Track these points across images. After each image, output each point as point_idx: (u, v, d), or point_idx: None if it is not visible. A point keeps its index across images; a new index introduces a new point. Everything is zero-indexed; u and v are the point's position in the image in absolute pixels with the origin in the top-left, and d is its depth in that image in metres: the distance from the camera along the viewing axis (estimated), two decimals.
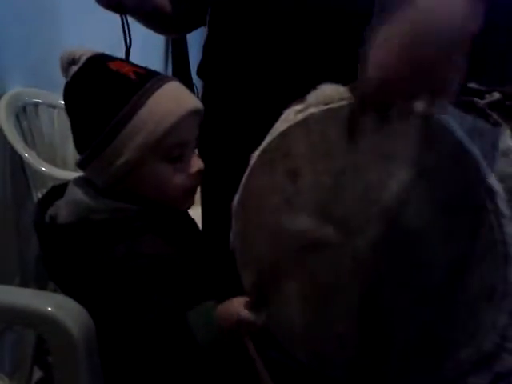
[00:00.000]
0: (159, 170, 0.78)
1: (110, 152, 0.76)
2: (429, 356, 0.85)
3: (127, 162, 0.76)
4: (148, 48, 2.44)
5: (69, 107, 0.81)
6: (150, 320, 0.71)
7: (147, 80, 0.79)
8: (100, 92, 0.77)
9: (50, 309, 0.75)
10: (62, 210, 0.80)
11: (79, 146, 0.80)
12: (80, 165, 0.81)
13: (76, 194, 0.79)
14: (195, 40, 2.86)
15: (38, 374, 1.57)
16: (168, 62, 2.83)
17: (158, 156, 0.78)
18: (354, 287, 0.88)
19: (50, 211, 0.82)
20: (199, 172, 0.82)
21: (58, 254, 0.79)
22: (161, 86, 0.78)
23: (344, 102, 0.85)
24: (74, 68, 0.79)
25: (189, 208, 0.86)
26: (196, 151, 0.85)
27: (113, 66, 0.79)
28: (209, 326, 0.74)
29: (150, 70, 0.82)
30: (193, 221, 0.90)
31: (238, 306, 0.77)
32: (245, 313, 0.77)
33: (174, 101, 0.78)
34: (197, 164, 0.82)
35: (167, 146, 0.78)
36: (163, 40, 2.79)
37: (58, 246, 0.79)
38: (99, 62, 0.80)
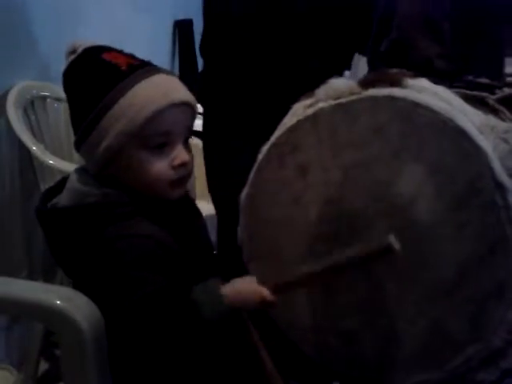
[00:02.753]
0: (139, 157, 0.79)
1: (95, 137, 0.78)
2: (437, 352, 0.85)
3: (108, 147, 0.77)
4: (155, 39, 2.45)
5: (65, 93, 0.85)
6: (146, 296, 0.72)
7: (136, 70, 0.80)
8: (89, 79, 0.80)
9: (58, 302, 0.75)
10: (62, 197, 0.83)
11: (74, 130, 0.83)
12: (75, 146, 0.84)
13: (73, 181, 0.82)
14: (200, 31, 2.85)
15: (44, 365, 1.59)
16: (175, 53, 2.83)
17: (139, 144, 0.78)
18: (361, 282, 0.88)
19: (53, 200, 0.85)
20: (183, 164, 0.82)
21: (58, 238, 0.81)
22: (148, 76, 0.79)
23: (354, 97, 0.85)
24: (72, 57, 0.82)
25: (177, 198, 0.86)
26: (181, 144, 0.85)
27: (107, 56, 0.81)
28: (216, 302, 0.74)
29: (145, 62, 0.83)
30: (193, 211, 0.90)
31: (256, 285, 0.78)
32: (267, 292, 0.77)
33: (159, 91, 0.78)
34: (181, 156, 0.81)
35: (147, 135, 0.77)
36: (170, 32, 2.79)
37: (57, 230, 0.81)
38: (94, 52, 0.82)
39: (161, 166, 0.80)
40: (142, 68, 0.81)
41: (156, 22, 2.55)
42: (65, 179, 0.86)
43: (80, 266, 0.79)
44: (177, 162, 0.81)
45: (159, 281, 0.74)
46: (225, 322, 0.75)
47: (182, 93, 0.81)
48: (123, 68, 0.79)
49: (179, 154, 0.81)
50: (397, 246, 0.74)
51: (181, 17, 2.85)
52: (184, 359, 0.79)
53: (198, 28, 3.02)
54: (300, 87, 0.99)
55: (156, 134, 0.79)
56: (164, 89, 0.79)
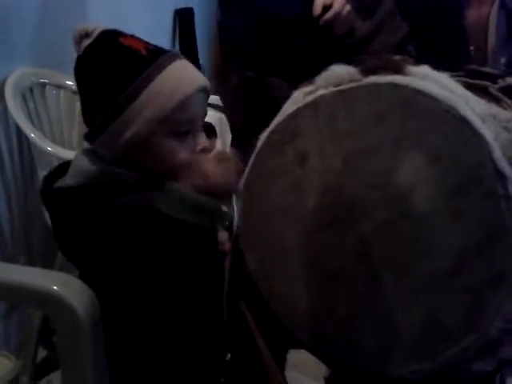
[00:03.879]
0: (166, 144, 0.78)
1: (119, 125, 0.77)
2: (433, 341, 0.85)
3: (135, 134, 0.77)
4: (156, 28, 2.43)
5: (79, 80, 0.81)
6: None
7: (158, 56, 0.79)
8: (111, 66, 0.77)
9: (55, 287, 0.75)
10: (67, 179, 0.81)
11: (88, 118, 0.81)
12: (88, 137, 0.81)
13: (82, 162, 0.80)
14: (202, 20, 2.84)
15: (42, 353, 1.59)
16: (175, 42, 2.81)
17: (166, 130, 0.78)
18: (358, 271, 0.88)
19: (57, 183, 0.83)
20: (204, 149, 0.83)
21: (64, 218, 0.80)
22: (171, 62, 0.79)
23: (355, 84, 0.84)
24: (87, 42, 0.79)
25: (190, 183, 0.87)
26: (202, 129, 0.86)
27: (125, 41, 0.80)
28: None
29: (161, 48, 0.83)
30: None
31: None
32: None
33: (184, 77, 0.79)
34: (204, 142, 0.82)
35: (175, 121, 0.78)
36: (171, 20, 2.77)
37: (64, 209, 0.79)
38: (111, 36, 0.80)
39: (184, 153, 0.80)
40: (161, 53, 0.80)
41: (157, 10, 2.54)
42: (66, 164, 0.85)
43: (86, 246, 0.78)
44: (200, 147, 0.81)
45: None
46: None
47: (201, 77, 0.82)
48: (144, 53, 0.78)
49: (201, 139, 0.82)
50: None
51: (181, 5, 2.83)
52: (181, 330, 0.78)
53: (199, 17, 3.00)
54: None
55: (183, 120, 0.79)
56: (190, 74, 0.80)
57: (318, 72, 0.90)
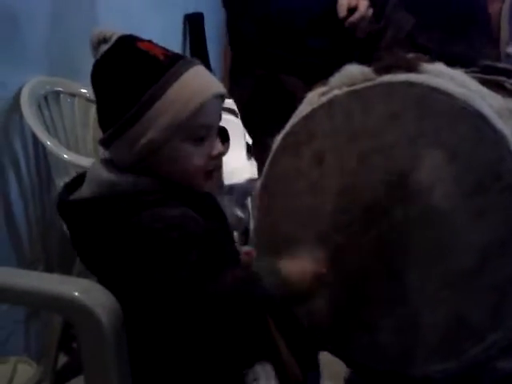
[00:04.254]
0: (181, 149, 0.78)
1: (136, 130, 0.77)
2: (457, 340, 0.84)
3: (152, 140, 0.76)
4: (166, 33, 2.44)
5: (96, 85, 0.81)
6: (188, 278, 0.71)
7: (175, 62, 0.79)
8: (129, 71, 0.77)
9: (77, 294, 0.75)
10: (84, 190, 0.81)
11: (104, 124, 0.80)
12: (104, 143, 0.81)
13: (98, 172, 0.80)
14: (212, 24, 2.84)
15: (63, 359, 1.60)
16: (186, 47, 2.82)
17: (183, 136, 0.77)
18: (379, 271, 0.87)
19: (74, 194, 0.83)
20: (220, 155, 0.83)
21: (83, 230, 0.79)
22: (188, 69, 0.79)
23: (369, 83, 0.84)
24: (105, 47, 0.79)
25: (210, 191, 0.87)
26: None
27: (142, 46, 0.80)
28: (274, 272, 0.75)
29: (178, 54, 0.83)
30: (217, 205, 0.90)
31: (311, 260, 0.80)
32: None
33: (201, 83, 0.79)
34: (218, 147, 0.82)
35: (193, 127, 0.77)
36: (181, 25, 2.78)
37: (83, 221, 0.79)
38: (129, 41, 0.80)
39: (200, 158, 0.80)
40: (178, 59, 0.80)
41: (167, 15, 2.55)
42: (82, 175, 0.85)
43: (106, 258, 0.78)
44: (215, 152, 0.81)
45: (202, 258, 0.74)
46: (278, 299, 0.76)
47: (218, 84, 0.82)
48: (162, 59, 0.78)
49: (217, 145, 0.82)
50: None
51: (191, 10, 2.84)
52: (217, 344, 0.78)
53: (209, 22, 3.01)
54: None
55: (199, 126, 0.79)
56: (206, 81, 0.80)
57: (331, 71, 0.90)
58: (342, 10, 1.23)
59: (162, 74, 0.77)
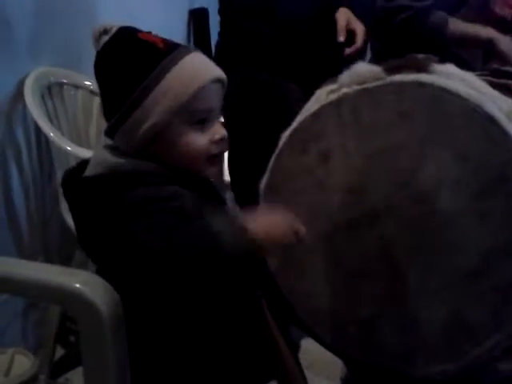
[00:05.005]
0: (183, 133, 0.79)
1: (138, 115, 0.78)
2: (457, 342, 0.84)
3: (154, 124, 0.78)
4: (170, 28, 2.43)
5: (99, 76, 0.83)
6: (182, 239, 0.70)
7: (174, 49, 0.81)
8: (129, 58, 0.80)
9: (78, 285, 0.75)
10: (88, 171, 0.82)
11: (108, 112, 0.82)
12: (109, 132, 0.82)
13: (103, 156, 0.82)
14: (217, 20, 2.83)
15: (60, 352, 1.60)
16: (190, 43, 2.81)
17: (183, 119, 0.79)
18: (381, 270, 0.87)
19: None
20: (222, 139, 0.84)
21: (84, 208, 0.81)
22: (186, 54, 0.81)
23: (379, 82, 0.83)
24: (106, 37, 0.81)
25: (213, 177, 0.87)
26: (221, 120, 0.87)
27: (142, 35, 0.82)
28: (236, 231, 0.72)
29: (176, 42, 0.84)
30: (217, 193, 0.90)
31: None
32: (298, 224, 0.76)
33: (199, 68, 0.81)
34: (220, 131, 0.83)
35: (192, 110, 0.79)
36: (185, 21, 2.78)
37: (83, 198, 0.81)
38: (129, 31, 0.83)
39: (202, 141, 0.81)
40: (177, 47, 0.81)
41: (170, 10, 2.54)
42: (84, 162, 0.86)
43: (104, 235, 0.78)
44: (217, 136, 0.82)
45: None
46: (245, 255, 0.73)
47: (218, 69, 0.83)
48: (161, 46, 0.80)
49: (218, 129, 0.83)
50: None
51: (196, 6, 2.83)
52: (202, 327, 0.79)
53: (214, 17, 3.00)
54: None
55: (200, 109, 0.80)
56: (205, 65, 0.82)
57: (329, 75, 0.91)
58: (342, 35, 1.27)
59: (160, 60, 0.78)
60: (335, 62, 1.29)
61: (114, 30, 0.82)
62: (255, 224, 0.74)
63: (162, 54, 0.79)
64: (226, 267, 0.72)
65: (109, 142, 0.84)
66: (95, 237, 0.81)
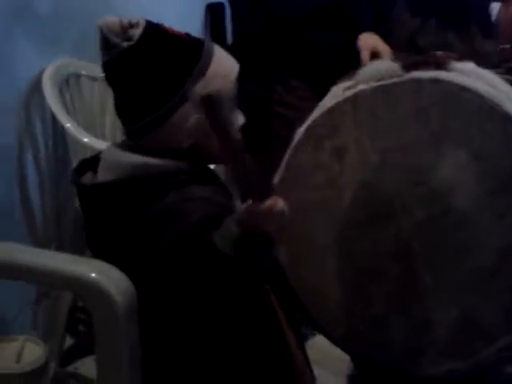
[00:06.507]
0: None
1: (185, 110, 0.77)
2: (468, 341, 0.84)
3: (201, 117, 0.76)
4: (187, 23, 2.43)
5: (131, 72, 0.78)
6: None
7: (200, 41, 0.81)
8: (169, 54, 0.78)
9: (93, 275, 0.75)
10: (103, 173, 0.80)
11: (140, 113, 0.78)
12: (142, 132, 0.79)
13: (120, 155, 0.80)
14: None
15: (69, 341, 1.61)
16: (207, 37, 2.82)
17: None
18: (394, 268, 0.87)
19: (86, 178, 0.82)
20: (243, 126, 0.85)
21: (103, 214, 0.80)
22: (213, 47, 0.81)
23: (396, 79, 0.83)
24: (137, 31, 0.77)
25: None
26: None
27: (167, 29, 0.80)
28: (226, 230, 0.70)
29: (188, 34, 0.83)
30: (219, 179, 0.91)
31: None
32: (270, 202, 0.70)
33: (230, 59, 0.83)
34: (241, 117, 0.85)
35: (229, 100, 0.80)
36: (202, 15, 2.78)
37: (103, 205, 0.79)
38: (156, 26, 0.80)
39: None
40: (200, 40, 0.82)
41: (187, 4, 2.54)
42: (88, 160, 0.85)
43: (127, 243, 0.78)
44: (240, 122, 0.83)
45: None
46: (244, 251, 0.71)
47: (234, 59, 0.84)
48: (188, 40, 0.80)
49: (240, 115, 0.84)
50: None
51: (213, 0, 2.83)
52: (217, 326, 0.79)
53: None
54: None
55: (233, 97, 0.81)
56: (230, 57, 0.83)
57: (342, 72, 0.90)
58: (366, 59, 1.22)
59: (199, 53, 0.79)
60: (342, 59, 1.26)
61: (143, 23, 0.79)
62: (239, 216, 0.71)
63: (196, 47, 0.79)
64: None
65: (123, 142, 0.82)
66: (118, 246, 0.80)
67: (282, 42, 1.34)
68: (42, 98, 1.50)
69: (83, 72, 1.65)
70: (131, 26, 0.78)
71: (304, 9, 1.32)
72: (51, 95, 1.48)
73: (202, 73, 0.78)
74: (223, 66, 0.80)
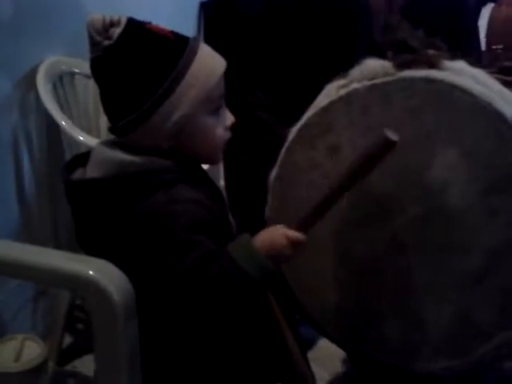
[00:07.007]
0: (205, 122, 0.80)
1: (166, 108, 0.77)
2: (463, 339, 0.85)
3: (182, 116, 0.78)
4: (180, 20, 2.43)
5: (110, 71, 0.78)
6: (198, 259, 0.73)
7: (186, 40, 0.81)
8: (149, 53, 0.78)
9: (91, 273, 0.76)
10: (91, 170, 0.81)
11: (120, 111, 0.79)
12: (122, 130, 0.79)
13: (110, 153, 0.80)
14: None
15: (68, 339, 1.62)
16: (200, 35, 2.81)
17: (205, 108, 0.80)
18: (389, 266, 0.88)
19: (76, 174, 0.83)
20: (232, 125, 0.86)
21: (93, 210, 0.80)
22: (199, 44, 0.82)
23: (389, 78, 0.84)
24: (117, 30, 0.77)
25: (218, 163, 0.89)
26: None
27: (151, 28, 0.80)
28: (253, 256, 0.74)
29: (179, 33, 0.83)
30: (212, 180, 0.92)
31: (281, 228, 0.78)
32: (292, 231, 0.77)
33: (215, 57, 0.83)
34: (230, 117, 0.86)
35: (213, 98, 0.81)
36: (195, 13, 2.77)
37: (90, 202, 0.80)
38: (138, 24, 0.80)
39: (220, 129, 0.83)
40: (186, 38, 0.82)
41: (182, 2, 2.53)
42: (79, 156, 0.85)
43: (115, 240, 0.79)
44: (229, 122, 0.84)
45: (210, 244, 0.76)
46: (265, 273, 0.75)
47: (222, 58, 0.84)
48: (173, 38, 0.80)
49: (229, 115, 0.85)
50: (394, 137, 0.71)
51: None
52: (220, 329, 0.79)
53: None
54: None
55: (218, 96, 0.82)
56: (215, 54, 0.83)
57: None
58: None
59: (181, 53, 0.78)
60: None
61: (124, 21, 0.79)
62: (258, 240, 0.76)
63: (178, 46, 0.79)
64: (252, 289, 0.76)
65: (114, 139, 0.82)
66: (102, 240, 0.81)
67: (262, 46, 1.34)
68: (36, 95, 1.50)
69: (77, 70, 1.65)
70: (112, 24, 0.78)
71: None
72: (45, 93, 1.48)
73: (184, 71, 0.78)
74: (208, 64, 0.80)
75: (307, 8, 1.28)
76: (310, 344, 1.46)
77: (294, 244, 0.77)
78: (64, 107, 1.58)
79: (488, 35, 1.51)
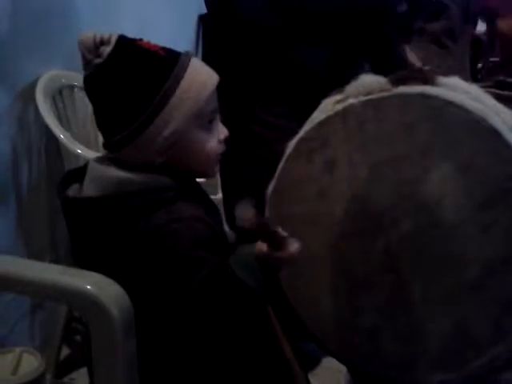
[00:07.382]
0: (198, 137, 0.81)
1: (157, 125, 0.77)
2: (459, 352, 0.85)
3: (174, 132, 0.79)
4: (179, 33, 2.45)
5: (102, 89, 0.78)
6: (206, 277, 0.73)
7: (176, 56, 0.82)
8: (138, 71, 0.78)
9: (89, 287, 0.76)
10: (88, 187, 0.81)
11: (112, 127, 0.79)
12: (114, 146, 0.80)
13: (105, 170, 0.80)
14: None
15: (65, 351, 1.61)
16: (199, 48, 2.83)
17: (197, 123, 0.80)
18: (385, 280, 0.88)
19: (72, 191, 0.83)
20: (225, 138, 0.86)
21: (90, 229, 0.80)
22: (190, 59, 0.82)
23: (385, 94, 0.85)
24: (107, 49, 0.78)
25: (214, 176, 0.91)
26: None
27: (142, 45, 0.81)
28: (256, 272, 0.73)
29: (171, 48, 0.84)
30: (207, 194, 0.92)
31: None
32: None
33: (206, 72, 0.83)
34: (224, 130, 0.86)
35: (205, 113, 0.81)
36: (194, 26, 2.79)
37: (88, 220, 0.80)
38: (129, 42, 0.81)
39: (213, 142, 0.83)
40: (177, 53, 0.82)
41: (180, 15, 2.55)
42: (73, 171, 0.86)
43: (114, 258, 0.79)
44: (222, 135, 0.85)
45: (213, 260, 0.76)
46: (264, 284, 0.75)
47: (214, 72, 0.85)
48: (163, 54, 0.81)
49: (222, 128, 0.85)
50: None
51: (206, 11, 2.84)
52: (222, 345, 0.80)
53: None
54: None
55: (210, 110, 0.82)
56: (206, 70, 0.84)
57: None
58: None
59: (171, 69, 0.79)
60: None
61: (114, 39, 0.79)
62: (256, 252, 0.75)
63: (168, 62, 0.80)
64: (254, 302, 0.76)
65: (107, 154, 0.83)
66: (105, 260, 0.81)
67: (260, 60, 1.34)
68: (36, 109, 1.51)
69: (76, 83, 1.66)
70: (102, 42, 0.79)
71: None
72: (44, 107, 1.49)
73: (174, 86, 0.78)
74: (198, 79, 0.81)
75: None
76: (316, 360, 1.46)
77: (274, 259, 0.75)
78: (63, 121, 1.59)
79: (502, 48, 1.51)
